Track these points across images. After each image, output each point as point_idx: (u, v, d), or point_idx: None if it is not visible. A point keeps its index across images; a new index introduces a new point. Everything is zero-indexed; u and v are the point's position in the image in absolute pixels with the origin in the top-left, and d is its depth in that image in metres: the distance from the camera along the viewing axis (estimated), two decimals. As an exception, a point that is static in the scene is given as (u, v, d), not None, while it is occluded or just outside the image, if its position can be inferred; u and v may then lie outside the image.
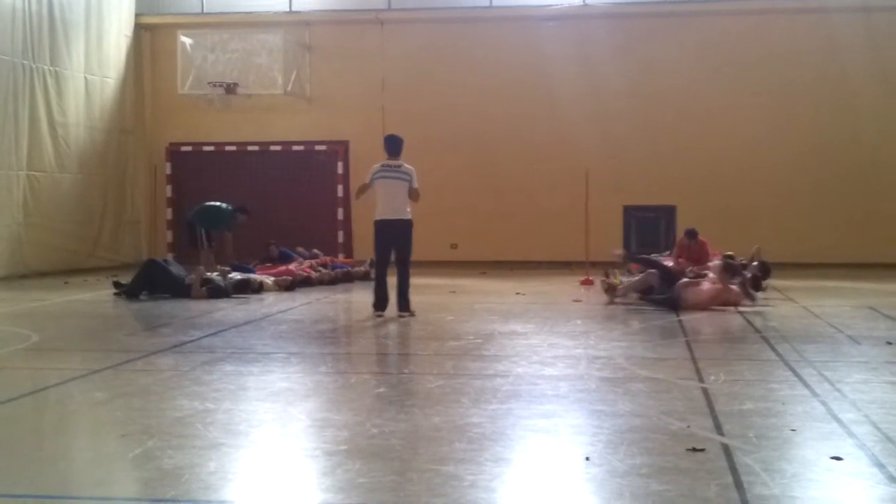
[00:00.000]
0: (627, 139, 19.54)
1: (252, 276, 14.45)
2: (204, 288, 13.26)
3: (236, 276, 14.20)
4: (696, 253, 14.41)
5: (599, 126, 19.55)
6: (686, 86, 19.55)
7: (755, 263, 13.05)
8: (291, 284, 14.66)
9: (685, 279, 12.28)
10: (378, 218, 11.26)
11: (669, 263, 13.40)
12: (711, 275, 12.23)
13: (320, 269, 16.07)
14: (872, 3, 18.96)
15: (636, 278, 12.94)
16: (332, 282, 15.73)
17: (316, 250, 17.11)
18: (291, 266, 15.67)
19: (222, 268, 14.74)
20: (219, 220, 15.97)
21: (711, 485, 4.52)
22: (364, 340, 10.09)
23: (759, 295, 12.38)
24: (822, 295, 13.71)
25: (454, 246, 19.97)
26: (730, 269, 12.00)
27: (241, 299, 13.24)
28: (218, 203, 16.20)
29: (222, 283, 13.55)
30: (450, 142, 19.82)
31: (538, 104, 19.76)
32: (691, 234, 14.69)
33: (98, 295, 13.76)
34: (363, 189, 11.58)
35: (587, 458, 4.98)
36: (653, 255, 14.19)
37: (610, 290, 12.76)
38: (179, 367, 7.78)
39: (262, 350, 8.82)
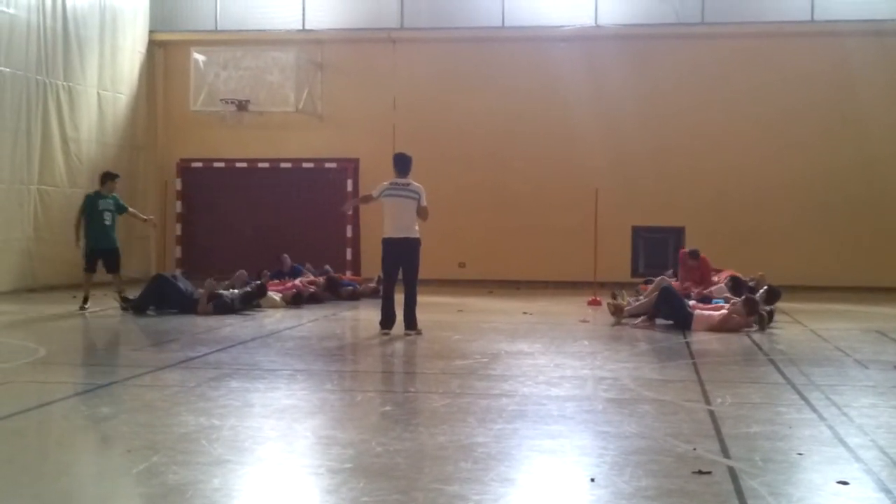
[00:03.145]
0: (637, 159, 19.54)
1: (255, 285, 14.36)
2: (210, 304, 13.28)
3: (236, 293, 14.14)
4: (698, 273, 14.49)
5: (609, 146, 19.56)
6: (696, 107, 19.55)
7: (763, 290, 13.02)
8: (296, 298, 14.68)
9: (692, 301, 12.32)
10: (386, 236, 11.28)
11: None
12: (728, 306, 12.22)
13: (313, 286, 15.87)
14: (884, 27, 18.96)
15: (643, 300, 12.94)
16: (331, 289, 15.80)
17: (327, 266, 17.10)
18: (297, 282, 15.70)
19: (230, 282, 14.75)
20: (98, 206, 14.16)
21: (717, 508, 4.50)
22: (370, 358, 10.08)
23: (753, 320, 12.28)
24: (829, 318, 13.66)
25: (462, 265, 19.96)
26: (749, 304, 11.97)
27: (249, 316, 13.25)
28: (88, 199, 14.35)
29: (228, 299, 13.56)
30: (460, 161, 19.86)
31: (549, 124, 19.78)
32: (694, 254, 14.77)
33: (106, 310, 13.78)
34: (366, 199, 11.98)
35: (592, 480, 4.97)
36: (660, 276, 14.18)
37: (617, 311, 12.75)
38: (186, 383, 7.78)
39: (269, 367, 8.83)
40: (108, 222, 14.16)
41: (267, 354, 9.66)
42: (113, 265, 14.27)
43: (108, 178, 14.49)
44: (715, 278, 14.64)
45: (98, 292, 14.16)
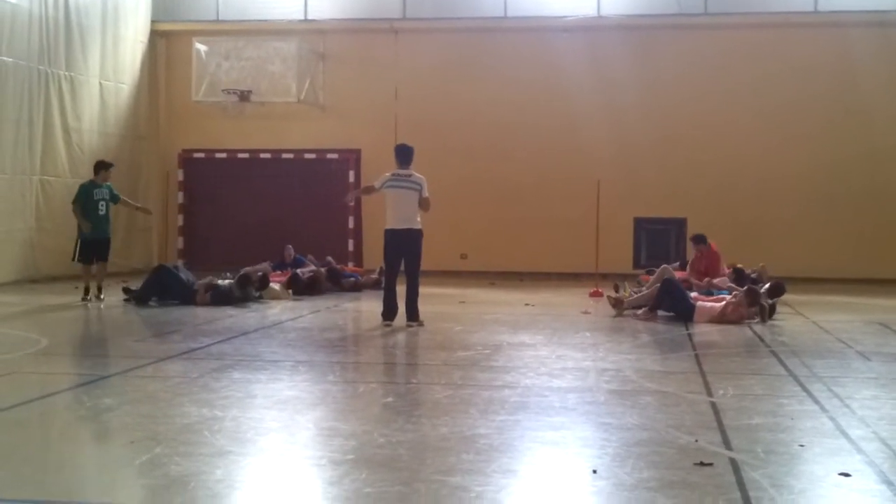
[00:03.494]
0: (639, 151, 19.51)
1: (257, 276, 14.38)
2: (207, 294, 13.28)
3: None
4: (705, 261, 14.48)
5: (612, 137, 19.53)
6: (699, 98, 19.52)
7: (768, 285, 13.00)
8: (292, 281, 14.82)
9: (695, 293, 12.35)
10: (388, 227, 11.28)
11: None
12: (731, 298, 12.22)
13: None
14: (888, 18, 18.91)
15: (645, 291, 12.93)
16: (333, 280, 15.90)
17: (329, 258, 17.10)
18: (298, 271, 15.73)
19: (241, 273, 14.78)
20: (91, 196, 13.99)
21: (719, 500, 4.50)
22: (372, 350, 10.09)
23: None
24: (832, 310, 13.65)
25: (464, 256, 19.96)
26: (751, 295, 11.95)
27: (250, 307, 13.25)
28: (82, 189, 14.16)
29: (226, 289, 13.52)
30: (462, 151, 19.83)
31: (551, 115, 19.74)
32: (698, 239, 14.77)
33: (108, 301, 13.79)
34: (368, 190, 12.03)
35: (594, 471, 4.97)
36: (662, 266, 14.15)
37: (617, 304, 12.73)
38: (188, 374, 7.79)
39: (271, 358, 8.83)
40: (102, 212, 14.04)
41: (269, 345, 9.67)
42: (103, 255, 14.15)
43: (102, 167, 14.33)
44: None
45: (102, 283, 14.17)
